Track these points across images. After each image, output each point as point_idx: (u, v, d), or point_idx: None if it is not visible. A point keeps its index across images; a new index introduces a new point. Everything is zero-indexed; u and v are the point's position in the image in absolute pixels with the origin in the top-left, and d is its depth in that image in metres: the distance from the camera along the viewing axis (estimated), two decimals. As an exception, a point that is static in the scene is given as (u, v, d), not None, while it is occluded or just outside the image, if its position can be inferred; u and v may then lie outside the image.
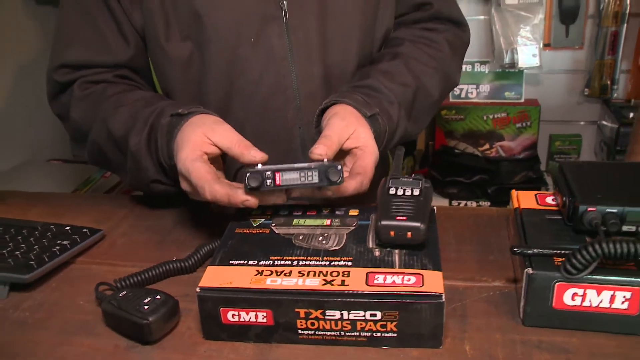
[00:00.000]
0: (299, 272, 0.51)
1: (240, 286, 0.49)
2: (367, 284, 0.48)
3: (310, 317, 0.48)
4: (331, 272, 0.50)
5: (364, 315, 0.48)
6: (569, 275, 0.48)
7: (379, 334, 0.48)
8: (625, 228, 0.53)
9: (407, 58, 0.78)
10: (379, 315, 0.48)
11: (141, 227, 0.74)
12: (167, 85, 0.77)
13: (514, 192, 0.65)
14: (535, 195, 0.64)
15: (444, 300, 0.47)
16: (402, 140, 0.77)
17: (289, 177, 0.56)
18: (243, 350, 0.50)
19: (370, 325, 0.48)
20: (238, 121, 0.73)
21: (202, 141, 0.60)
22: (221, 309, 0.49)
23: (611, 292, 0.48)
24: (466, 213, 0.76)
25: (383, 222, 0.52)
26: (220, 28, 0.71)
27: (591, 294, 0.49)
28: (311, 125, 0.71)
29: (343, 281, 0.49)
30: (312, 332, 0.49)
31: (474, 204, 1.66)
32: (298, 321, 0.49)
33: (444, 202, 1.67)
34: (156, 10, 0.71)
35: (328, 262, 0.52)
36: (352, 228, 0.58)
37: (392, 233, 0.52)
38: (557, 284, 0.49)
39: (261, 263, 0.52)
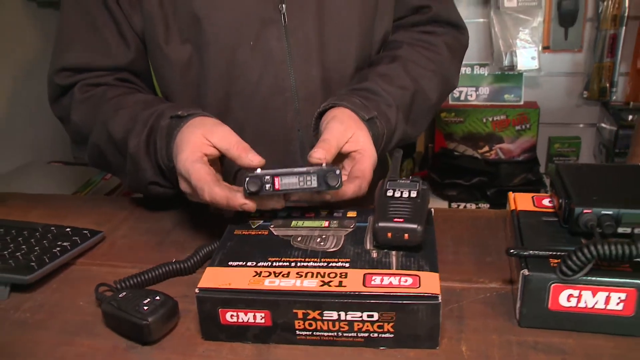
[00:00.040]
0: (297, 273, 0.51)
1: (238, 287, 0.50)
2: (364, 285, 0.49)
3: (308, 317, 0.49)
4: (329, 274, 0.51)
5: (361, 316, 0.48)
6: (564, 276, 0.49)
7: (376, 335, 0.49)
8: (620, 230, 0.54)
9: (406, 61, 0.78)
10: (376, 316, 0.48)
11: (141, 228, 0.74)
12: (166, 88, 0.77)
13: (511, 194, 0.66)
14: (532, 197, 0.65)
15: (440, 301, 0.47)
16: (400, 143, 0.77)
17: (287, 181, 0.56)
18: (241, 350, 0.50)
19: (367, 326, 0.49)
20: (237, 123, 0.74)
21: (201, 142, 0.60)
22: (220, 309, 0.50)
23: (606, 294, 0.49)
24: (464, 215, 0.76)
25: (380, 224, 0.53)
26: (220, 31, 0.72)
27: (587, 295, 0.49)
28: (310, 127, 0.72)
29: (340, 282, 0.49)
30: (310, 332, 0.49)
31: (473, 206, 1.66)
32: (296, 322, 0.49)
33: (444, 204, 1.68)
34: (156, 14, 0.72)
35: (326, 264, 0.52)
36: (350, 230, 0.58)
37: (389, 235, 0.53)
38: (552, 285, 0.49)
39: (260, 264, 0.53)
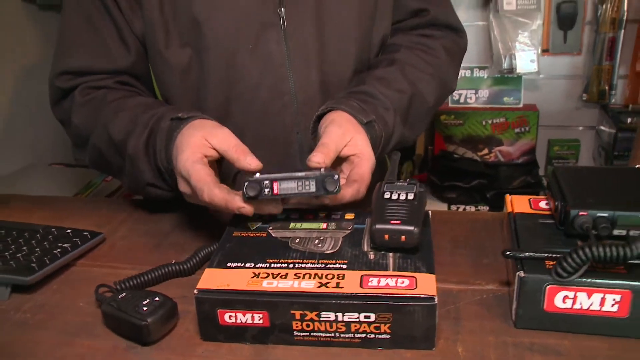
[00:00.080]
0: (295, 274, 0.51)
1: (237, 288, 0.50)
2: (361, 286, 0.49)
3: (306, 318, 0.49)
4: (326, 275, 0.51)
5: (358, 317, 0.49)
6: (559, 278, 0.49)
7: (372, 336, 0.49)
8: (616, 232, 0.54)
9: (403, 64, 0.79)
10: (372, 317, 0.48)
11: (141, 230, 0.75)
12: (166, 92, 0.78)
13: (508, 197, 0.66)
14: (529, 199, 0.65)
15: (436, 302, 0.48)
16: (398, 146, 0.78)
17: (286, 186, 0.57)
18: (240, 351, 0.51)
19: (364, 327, 0.49)
20: (237, 126, 0.74)
21: (201, 144, 0.61)
22: (218, 310, 0.50)
23: (601, 295, 0.49)
24: (462, 217, 0.77)
25: (377, 226, 0.53)
26: (219, 35, 0.72)
27: (582, 296, 0.49)
28: (309, 130, 0.72)
29: (338, 283, 0.50)
30: (308, 333, 0.50)
31: (473, 209, 1.67)
32: (293, 323, 0.50)
33: (443, 207, 1.68)
34: (156, 18, 0.72)
35: (323, 265, 0.53)
36: (348, 232, 0.59)
37: (386, 236, 0.53)
38: (548, 286, 0.50)
39: (258, 265, 0.53)
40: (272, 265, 0.53)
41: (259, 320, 0.50)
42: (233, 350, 0.51)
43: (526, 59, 1.59)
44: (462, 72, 1.73)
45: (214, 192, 0.57)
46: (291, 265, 0.53)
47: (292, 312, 0.49)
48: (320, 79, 0.77)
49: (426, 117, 0.83)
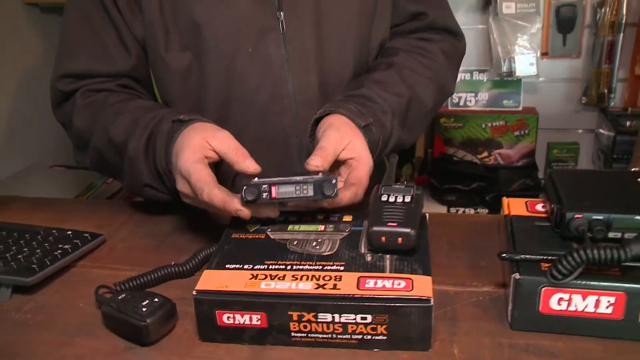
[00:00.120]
0: (293, 276, 0.52)
1: (235, 289, 0.51)
2: (358, 288, 0.50)
3: (303, 320, 0.50)
4: (324, 277, 0.52)
5: (355, 319, 0.49)
6: (554, 280, 0.50)
7: (369, 337, 0.50)
8: (611, 234, 0.54)
9: (402, 68, 0.79)
10: (369, 318, 0.49)
11: (141, 232, 0.75)
12: (166, 94, 0.79)
13: (505, 200, 0.67)
14: (526, 202, 0.66)
15: (432, 304, 0.48)
16: (396, 149, 0.78)
17: (284, 190, 0.58)
18: (238, 351, 0.51)
19: (361, 328, 0.49)
20: (237, 128, 0.75)
21: (202, 145, 0.62)
22: (217, 311, 0.51)
23: (596, 297, 0.49)
24: (459, 220, 0.77)
25: (374, 228, 0.54)
26: (219, 38, 0.73)
27: (577, 298, 0.50)
28: (307, 133, 0.73)
29: (335, 285, 0.50)
30: (305, 334, 0.50)
31: (472, 211, 1.67)
32: (291, 324, 0.50)
33: (443, 209, 1.69)
34: (156, 21, 0.73)
35: (321, 267, 0.53)
36: (346, 234, 0.59)
37: (383, 239, 0.54)
38: (543, 288, 0.50)
39: (256, 267, 0.54)
40: (270, 266, 0.54)
41: (257, 321, 0.50)
42: (231, 350, 0.51)
43: (525, 62, 1.60)
44: (461, 75, 1.74)
45: (214, 192, 0.58)
46: (289, 267, 0.53)
47: (289, 313, 0.50)
48: (319, 82, 0.77)
49: (424, 121, 0.83)
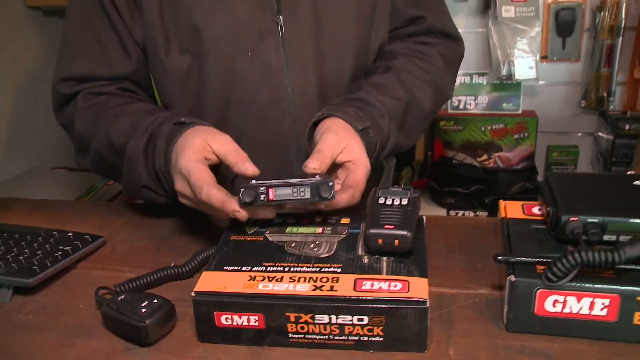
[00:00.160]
0: (290, 277, 0.53)
1: (233, 291, 0.51)
2: (354, 289, 0.50)
3: (300, 321, 0.50)
4: (321, 278, 0.52)
5: (352, 320, 0.50)
6: (549, 282, 0.50)
7: (366, 338, 0.50)
8: (606, 237, 0.55)
9: (400, 71, 0.80)
10: (365, 319, 0.49)
11: (141, 234, 0.76)
12: (166, 97, 0.79)
13: (501, 202, 0.67)
14: (522, 205, 0.66)
15: (428, 305, 0.49)
16: (393, 152, 0.79)
17: (281, 192, 0.58)
18: (236, 352, 0.52)
19: (357, 330, 0.50)
20: (236, 132, 0.75)
21: (203, 147, 0.62)
22: (215, 312, 0.51)
23: (590, 299, 0.50)
24: (457, 222, 0.78)
25: (371, 231, 0.54)
26: (219, 42, 0.74)
27: (571, 300, 0.50)
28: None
29: (332, 287, 0.51)
30: (302, 335, 0.51)
31: (472, 214, 1.68)
32: (288, 325, 0.51)
33: (442, 212, 1.69)
34: (156, 25, 0.74)
35: (318, 269, 0.54)
36: (343, 236, 0.60)
37: (380, 241, 0.54)
38: (538, 291, 0.51)
39: (254, 269, 0.54)
40: (268, 268, 0.54)
41: (255, 322, 0.51)
42: (229, 351, 0.52)
43: (525, 65, 1.60)
44: (461, 79, 1.75)
45: (213, 192, 0.58)
46: (287, 269, 0.54)
47: (287, 314, 0.50)
48: (318, 85, 0.78)
49: (422, 124, 0.84)
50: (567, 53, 1.70)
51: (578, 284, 0.50)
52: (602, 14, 1.61)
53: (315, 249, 0.57)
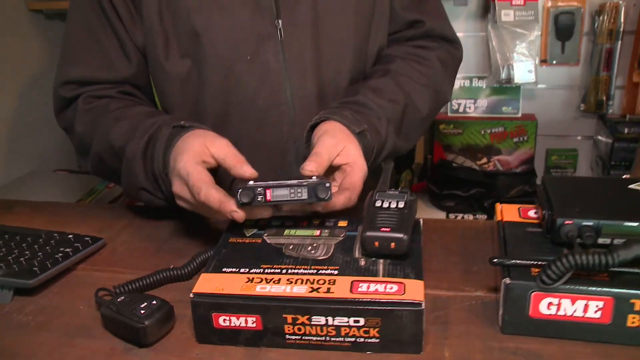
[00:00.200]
0: (288, 279, 0.53)
1: (231, 292, 0.52)
2: (351, 291, 0.51)
3: (297, 322, 0.51)
4: (318, 280, 0.53)
5: (348, 322, 0.50)
6: (544, 285, 0.51)
7: (362, 340, 0.51)
8: (600, 240, 0.55)
9: (398, 75, 0.81)
10: (362, 321, 0.50)
11: (140, 236, 0.76)
12: (166, 101, 0.80)
13: (498, 205, 0.68)
14: (519, 208, 0.67)
15: (423, 307, 0.49)
16: (391, 155, 0.79)
17: (279, 193, 0.59)
18: (234, 353, 0.52)
19: (354, 331, 0.51)
20: (235, 135, 0.76)
21: (202, 150, 0.63)
22: (213, 313, 0.52)
23: (585, 302, 0.50)
24: (454, 225, 0.78)
25: (368, 233, 0.55)
26: (218, 46, 0.74)
27: (566, 303, 0.51)
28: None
29: (329, 289, 0.51)
30: (299, 337, 0.51)
31: (471, 217, 1.68)
32: (285, 326, 0.51)
33: (442, 215, 1.69)
34: (156, 29, 0.74)
35: (315, 271, 0.54)
36: (340, 239, 0.60)
37: (376, 244, 0.55)
38: (533, 293, 0.51)
39: (252, 271, 0.55)
40: (266, 270, 0.55)
41: (252, 323, 0.51)
42: (227, 352, 0.53)
43: (524, 69, 1.61)
44: (461, 82, 1.75)
45: (211, 192, 0.59)
46: (284, 271, 0.55)
47: (284, 316, 0.51)
48: (317, 89, 0.79)
49: (420, 128, 0.84)
50: (566, 57, 1.71)
51: (572, 287, 0.50)
52: (601, 18, 1.62)
53: (313, 252, 0.58)
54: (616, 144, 1.58)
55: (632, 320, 0.50)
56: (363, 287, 0.51)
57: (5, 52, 1.58)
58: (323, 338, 0.51)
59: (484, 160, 1.77)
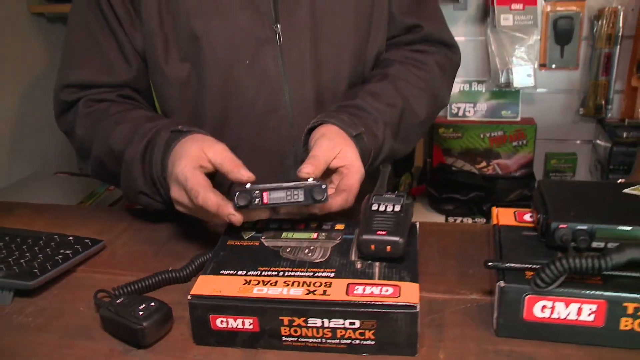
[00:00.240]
0: (285, 282, 0.54)
1: (228, 294, 0.52)
2: (347, 294, 0.51)
3: (294, 324, 0.51)
4: (314, 283, 0.53)
5: (344, 324, 0.51)
6: (538, 288, 0.51)
7: (357, 342, 0.51)
8: (595, 244, 0.56)
9: (396, 79, 0.81)
10: (357, 323, 0.51)
11: (140, 239, 0.77)
12: (165, 105, 0.81)
13: (494, 209, 0.68)
14: (514, 212, 0.67)
15: (418, 310, 0.50)
16: (389, 158, 0.80)
17: (276, 195, 0.59)
18: (231, 355, 0.53)
19: (349, 333, 0.51)
20: (234, 138, 0.77)
21: (199, 155, 0.64)
22: (210, 315, 0.52)
23: (578, 305, 0.51)
24: (451, 229, 0.79)
25: (364, 236, 0.56)
26: (217, 50, 0.75)
27: (559, 306, 0.51)
28: (303, 142, 0.75)
29: (325, 291, 0.52)
30: (296, 339, 0.52)
31: (470, 221, 1.68)
32: (282, 328, 0.52)
33: (441, 219, 1.70)
34: (156, 33, 0.75)
35: (312, 273, 0.55)
36: (337, 242, 0.61)
37: (372, 247, 0.55)
38: (527, 296, 0.52)
39: (249, 273, 0.55)
40: (263, 273, 0.55)
41: (249, 325, 0.52)
42: (224, 353, 0.53)
43: (523, 73, 1.62)
44: (460, 86, 1.76)
45: (209, 196, 0.60)
46: (281, 273, 0.55)
47: (280, 318, 0.51)
48: (316, 93, 0.79)
49: (418, 131, 0.85)
50: (565, 61, 1.71)
51: (566, 290, 0.51)
52: (600, 22, 1.62)
53: (310, 254, 0.58)
54: (615, 148, 1.58)
55: (625, 324, 0.50)
56: (359, 289, 0.52)
57: (7, 55, 1.60)
58: (319, 340, 0.52)
59: (483, 164, 1.78)
